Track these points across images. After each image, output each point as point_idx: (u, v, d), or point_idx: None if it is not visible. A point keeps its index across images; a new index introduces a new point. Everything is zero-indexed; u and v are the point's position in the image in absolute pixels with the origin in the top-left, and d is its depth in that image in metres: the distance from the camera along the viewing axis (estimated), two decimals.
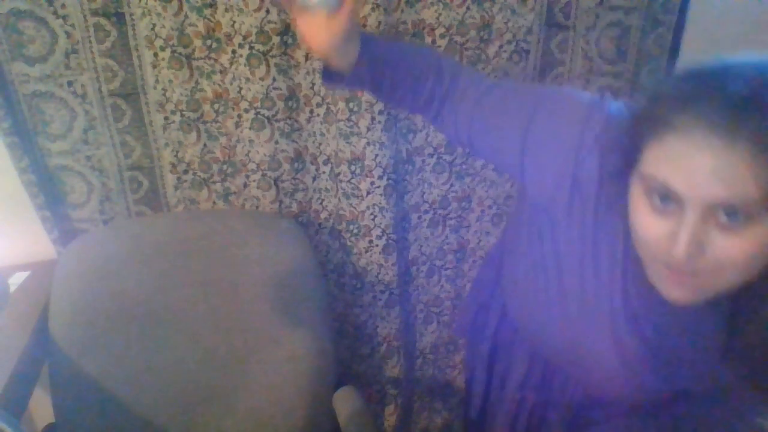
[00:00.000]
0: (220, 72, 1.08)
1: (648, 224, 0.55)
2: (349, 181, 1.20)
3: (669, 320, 0.66)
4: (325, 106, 1.14)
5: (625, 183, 0.58)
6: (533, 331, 0.86)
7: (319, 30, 0.63)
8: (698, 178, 0.49)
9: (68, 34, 0.99)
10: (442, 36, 1.13)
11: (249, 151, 1.16)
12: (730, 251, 0.50)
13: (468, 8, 1.12)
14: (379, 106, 1.12)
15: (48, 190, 1.08)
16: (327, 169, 1.21)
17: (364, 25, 1.04)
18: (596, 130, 0.63)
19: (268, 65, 1.07)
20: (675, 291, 0.56)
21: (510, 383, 0.93)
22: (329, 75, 0.71)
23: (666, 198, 0.52)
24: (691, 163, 0.49)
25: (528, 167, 0.69)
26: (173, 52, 1.03)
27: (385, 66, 0.70)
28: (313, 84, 1.13)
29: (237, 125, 1.13)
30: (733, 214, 0.49)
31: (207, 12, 1.02)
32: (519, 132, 0.69)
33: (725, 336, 0.63)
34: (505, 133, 0.70)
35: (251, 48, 1.05)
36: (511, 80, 0.73)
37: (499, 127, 0.71)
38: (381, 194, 1.21)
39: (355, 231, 1.26)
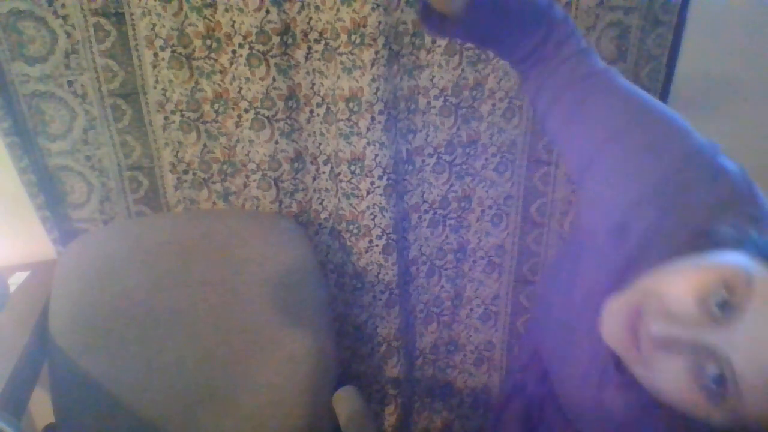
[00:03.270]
0: (220, 72, 1.08)
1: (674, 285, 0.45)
2: (349, 181, 1.20)
3: None
4: (325, 106, 1.14)
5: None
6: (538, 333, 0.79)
7: None
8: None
9: (68, 34, 0.99)
10: None
11: (249, 151, 1.16)
12: None
13: None
14: (380, 106, 1.12)
15: (48, 190, 1.08)
16: (327, 169, 1.21)
17: (364, 26, 1.04)
18: (683, 179, 0.53)
19: (268, 65, 1.07)
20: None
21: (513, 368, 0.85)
22: (429, 18, 0.64)
23: (726, 306, 0.42)
24: None
25: (590, 178, 0.61)
26: (173, 52, 1.03)
27: (493, 17, 0.62)
28: (313, 84, 1.13)
29: (237, 125, 1.13)
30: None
31: (207, 12, 1.02)
32: (600, 138, 0.59)
33: None
34: (587, 130, 0.61)
35: (251, 48, 1.05)
36: (619, 76, 0.64)
37: (581, 121, 0.62)
38: (381, 194, 1.20)
39: (355, 231, 1.26)
